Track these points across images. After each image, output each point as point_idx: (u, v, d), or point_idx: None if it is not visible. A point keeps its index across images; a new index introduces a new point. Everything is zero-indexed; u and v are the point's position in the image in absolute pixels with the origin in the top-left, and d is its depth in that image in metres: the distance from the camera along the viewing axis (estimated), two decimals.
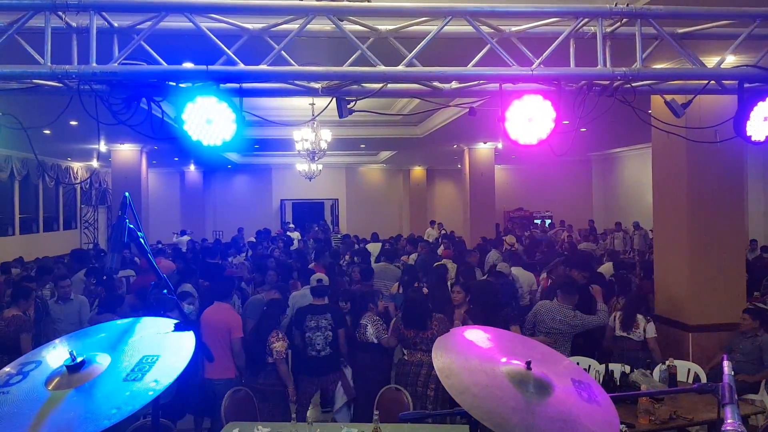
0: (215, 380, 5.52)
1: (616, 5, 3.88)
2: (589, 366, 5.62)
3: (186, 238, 17.16)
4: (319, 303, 5.92)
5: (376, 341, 5.76)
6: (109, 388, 1.78)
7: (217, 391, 5.40)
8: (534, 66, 3.87)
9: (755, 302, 7.70)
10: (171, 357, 1.92)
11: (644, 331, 5.94)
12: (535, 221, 21.16)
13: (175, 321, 2.14)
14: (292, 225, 20.13)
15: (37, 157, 4.63)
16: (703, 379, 5.49)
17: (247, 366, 5.57)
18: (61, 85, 3.83)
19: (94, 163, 17.58)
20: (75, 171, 18.37)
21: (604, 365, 5.39)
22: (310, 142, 11.79)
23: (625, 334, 5.99)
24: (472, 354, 2.11)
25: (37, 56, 3.62)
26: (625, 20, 3.96)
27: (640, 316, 6.02)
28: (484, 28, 3.94)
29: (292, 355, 5.86)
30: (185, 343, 2.00)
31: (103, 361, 1.90)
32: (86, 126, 10.61)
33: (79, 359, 1.84)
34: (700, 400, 4.70)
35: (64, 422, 1.65)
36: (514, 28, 4.09)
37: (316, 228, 18.73)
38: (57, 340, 2.15)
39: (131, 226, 2.23)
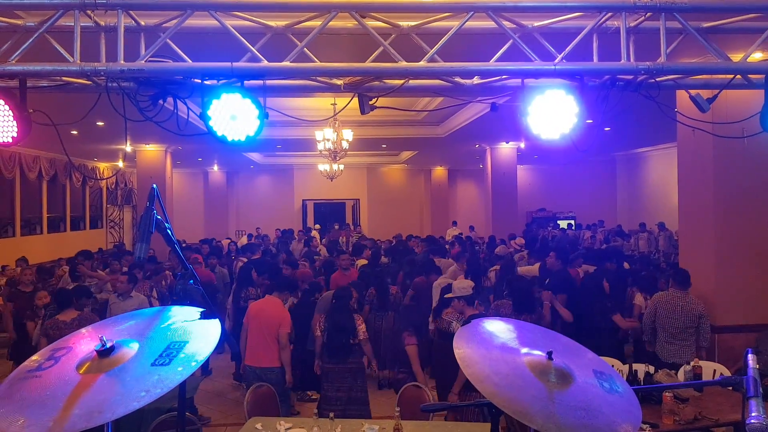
0: (267, 368, 5.67)
1: None
2: (612, 366, 5.57)
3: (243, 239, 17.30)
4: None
5: None
6: (139, 372, 1.83)
7: (269, 378, 5.54)
8: (557, 61, 3.85)
9: None
10: (198, 343, 1.97)
11: None
12: (558, 221, 20.98)
13: (201, 309, 2.19)
14: (317, 226, 19.87)
15: (68, 154, 4.69)
16: None
17: (325, 348, 5.77)
18: (89, 83, 3.92)
19: (120, 164, 17.86)
20: (101, 171, 18.69)
21: (627, 365, 5.35)
22: (331, 141, 11.85)
23: None
24: (494, 344, 2.12)
25: (66, 54, 3.70)
26: (649, 14, 3.92)
27: None
28: (506, 24, 3.93)
29: None
30: (211, 331, 2.06)
31: (132, 347, 1.95)
32: (113, 126, 10.80)
33: (109, 344, 1.90)
34: (726, 400, 4.64)
35: (95, 404, 1.70)
36: (536, 23, 4.09)
37: (337, 227, 18.77)
38: (84, 329, 2.20)
39: (159, 217, 2.27)
